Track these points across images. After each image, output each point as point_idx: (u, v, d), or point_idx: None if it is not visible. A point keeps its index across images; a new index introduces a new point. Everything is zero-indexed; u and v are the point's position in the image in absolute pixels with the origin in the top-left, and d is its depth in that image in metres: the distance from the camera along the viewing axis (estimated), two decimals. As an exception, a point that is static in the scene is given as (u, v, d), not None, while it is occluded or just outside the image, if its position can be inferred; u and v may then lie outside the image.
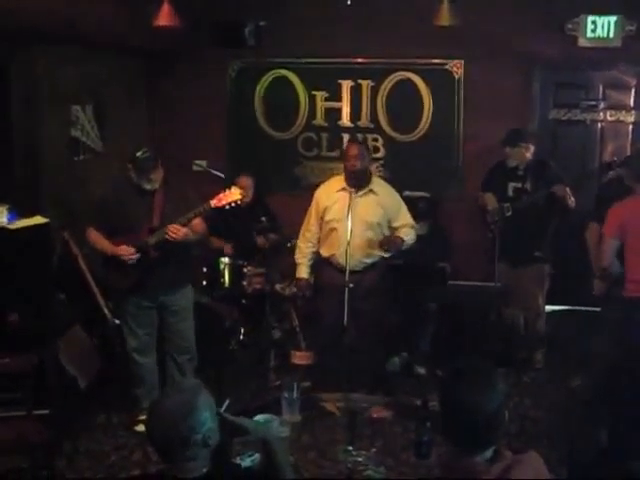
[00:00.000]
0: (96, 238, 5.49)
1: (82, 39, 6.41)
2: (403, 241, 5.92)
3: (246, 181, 7.03)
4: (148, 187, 5.34)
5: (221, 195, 5.28)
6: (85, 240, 5.61)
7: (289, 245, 6.92)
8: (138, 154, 5.29)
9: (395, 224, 5.98)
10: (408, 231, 6.01)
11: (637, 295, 5.40)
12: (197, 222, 5.44)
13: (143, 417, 5.30)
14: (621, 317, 5.51)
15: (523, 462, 2.70)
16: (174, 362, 5.70)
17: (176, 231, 5.22)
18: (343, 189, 5.91)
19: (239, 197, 5.30)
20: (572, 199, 6.34)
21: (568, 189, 6.31)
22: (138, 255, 5.34)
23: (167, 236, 5.23)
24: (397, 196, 6.12)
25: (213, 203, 5.26)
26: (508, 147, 6.60)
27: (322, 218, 6.03)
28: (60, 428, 5.12)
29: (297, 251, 6.27)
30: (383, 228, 5.95)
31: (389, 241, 5.89)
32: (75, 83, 6.95)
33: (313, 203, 6.13)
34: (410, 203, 6.36)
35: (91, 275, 6.22)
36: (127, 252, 5.34)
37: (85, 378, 5.83)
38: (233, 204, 5.29)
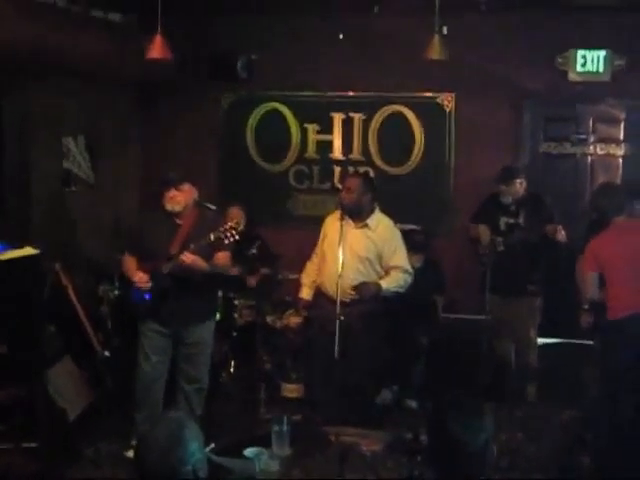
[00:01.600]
0: (127, 263, 5.54)
1: (75, 71, 6.44)
2: (380, 288, 5.79)
3: (237, 212, 7.02)
4: (170, 207, 5.37)
5: (221, 229, 5.24)
6: (120, 267, 5.65)
7: (280, 277, 6.92)
8: (164, 174, 5.44)
9: (388, 264, 5.89)
10: (397, 276, 5.88)
11: (615, 319, 5.50)
12: (221, 255, 5.42)
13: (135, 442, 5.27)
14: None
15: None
16: (182, 390, 5.63)
17: (185, 257, 5.19)
18: (341, 219, 5.92)
19: (238, 230, 5.24)
20: (563, 233, 6.35)
21: (560, 227, 6.31)
22: (149, 284, 5.33)
23: (178, 261, 5.22)
24: (396, 237, 6.01)
25: (213, 236, 5.23)
26: (502, 185, 6.60)
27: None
28: (48, 461, 5.06)
29: (303, 273, 6.29)
30: (374, 264, 5.88)
31: (362, 287, 5.77)
32: (67, 115, 6.98)
33: (321, 230, 6.18)
34: (404, 236, 6.33)
35: (82, 307, 6.20)
36: (140, 279, 5.33)
37: (74, 410, 5.79)
38: (231, 238, 5.23)
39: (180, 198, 5.38)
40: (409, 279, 5.96)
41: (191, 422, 2.82)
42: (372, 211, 5.98)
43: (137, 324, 5.61)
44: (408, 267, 5.98)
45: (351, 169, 7.65)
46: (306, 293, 6.23)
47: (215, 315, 5.87)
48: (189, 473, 2.69)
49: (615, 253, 5.55)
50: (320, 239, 6.17)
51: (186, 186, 5.42)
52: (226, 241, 5.20)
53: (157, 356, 5.55)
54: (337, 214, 6.04)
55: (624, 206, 5.75)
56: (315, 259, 6.21)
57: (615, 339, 5.53)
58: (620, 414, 5.36)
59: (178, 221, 5.44)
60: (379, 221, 5.97)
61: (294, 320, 6.64)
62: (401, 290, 5.92)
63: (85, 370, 6.18)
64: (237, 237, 5.23)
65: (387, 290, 5.82)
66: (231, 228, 5.18)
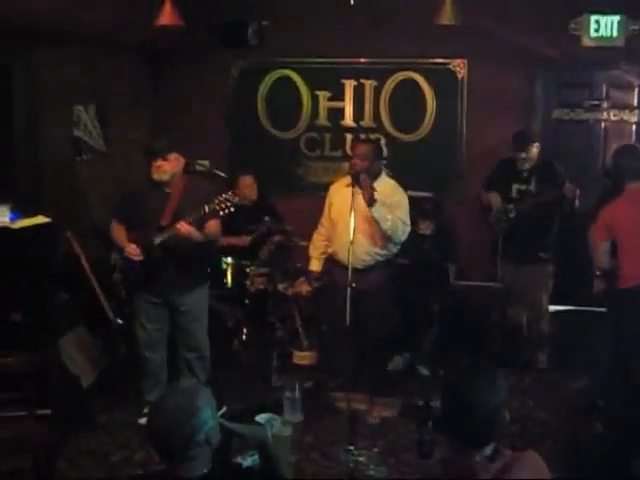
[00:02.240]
0: (115, 231, 5.58)
1: (85, 39, 6.41)
2: (376, 201, 5.70)
3: (248, 180, 7.04)
4: (157, 177, 5.37)
5: (216, 200, 5.22)
6: (109, 233, 5.66)
7: (292, 245, 6.92)
8: (151, 143, 5.43)
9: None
10: (394, 219, 5.83)
11: (627, 286, 5.49)
12: (212, 223, 5.41)
13: (147, 410, 5.32)
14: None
15: (522, 460, 2.72)
16: (183, 359, 5.70)
17: (182, 227, 5.21)
18: (348, 185, 5.92)
19: (233, 202, 5.23)
20: (577, 200, 6.32)
21: (577, 190, 6.27)
22: (141, 256, 5.35)
23: (174, 232, 5.22)
24: (401, 196, 6.01)
25: (208, 208, 5.22)
26: (522, 152, 6.50)
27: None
28: (62, 428, 5.10)
29: (311, 245, 6.33)
30: None
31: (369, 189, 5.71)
32: (78, 83, 6.94)
33: (326, 199, 6.16)
34: (415, 203, 6.32)
35: (94, 275, 6.23)
36: (133, 251, 5.37)
37: (88, 378, 5.84)
38: (226, 210, 5.22)
39: (167, 167, 5.38)
40: (404, 229, 5.93)
41: (203, 389, 2.84)
42: (379, 175, 5.97)
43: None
44: (406, 220, 5.95)
45: (362, 136, 7.60)
46: (315, 265, 6.27)
47: (207, 281, 5.84)
48: (202, 441, 2.71)
49: (627, 221, 5.51)
50: (326, 209, 6.17)
51: (172, 155, 5.41)
52: (221, 212, 5.20)
53: (152, 324, 5.61)
54: (344, 181, 6.05)
55: None
56: (322, 229, 6.21)
57: (625, 307, 5.52)
58: (632, 382, 5.36)
59: (167, 190, 5.44)
60: (385, 183, 5.98)
61: (306, 288, 6.64)
62: (391, 234, 5.86)
63: (98, 338, 6.22)
64: (232, 209, 5.22)
65: (379, 215, 5.73)
66: (226, 200, 5.17)
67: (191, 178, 5.64)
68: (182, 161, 5.51)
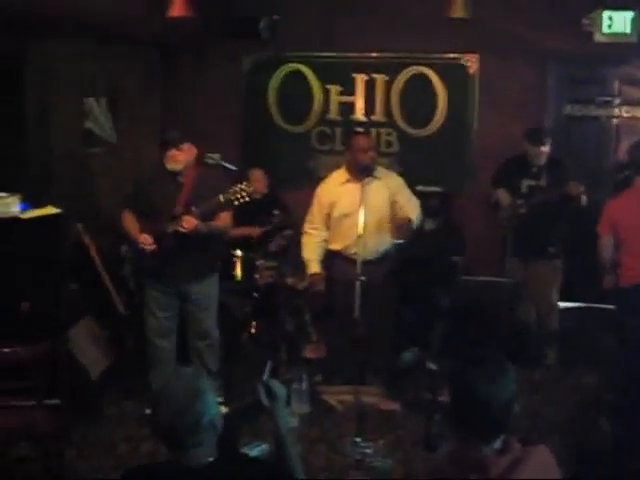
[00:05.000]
0: (127, 221, 5.62)
1: (97, 31, 6.42)
2: (411, 220, 5.77)
3: (258, 174, 7.02)
4: (171, 166, 5.42)
5: (231, 190, 5.28)
6: (119, 222, 5.69)
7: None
8: (165, 133, 5.48)
9: (400, 201, 5.92)
10: (413, 207, 5.92)
11: (623, 285, 5.55)
12: (224, 215, 5.48)
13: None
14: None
15: (532, 454, 2.68)
16: (194, 348, 5.74)
17: (187, 224, 5.25)
18: (348, 181, 5.91)
19: (248, 192, 5.29)
20: (584, 197, 6.30)
21: (582, 188, 6.25)
22: (153, 245, 5.38)
23: (179, 227, 5.26)
24: (396, 177, 6.11)
25: (223, 198, 5.27)
26: (535, 148, 6.47)
27: (328, 214, 6.02)
28: (70, 418, 5.12)
29: (304, 249, 6.25)
30: (393, 208, 5.93)
31: (399, 226, 5.76)
32: (90, 75, 6.96)
33: (315, 201, 6.14)
34: (422, 198, 6.32)
35: (104, 267, 6.24)
36: (145, 241, 5.40)
37: (96, 369, 5.85)
38: (241, 200, 5.28)
39: (181, 157, 5.43)
40: (418, 207, 6.02)
41: (204, 375, 2.87)
42: None
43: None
44: (414, 198, 6.07)
45: (374, 131, 7.60)
46: (315, 267, 6.19)
47: (218, 269, 5.88)
48: (208, 425, 2.72)
49: (630, 217, 5.48)
50: (317, 210, 6.13)
51: (186, 145, 5.47)
52: (236, 203, 5.25)
53: (163, 312, 5.65)
54: (336, 179, 6.04)
55: None
56: (314, 232, 6.17)
57: (624, 306, 5.50)
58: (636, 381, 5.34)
59: (180, 179, 5.49)
60: (379, 171, 5.98)
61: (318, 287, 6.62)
62: (416, 218, 5.92)
63: (107, 329, 6.24)
64: (247, 199, 5.27)
65: (414, 223, 5.81)
66: (241, 190, 5.22)
67: (203, 168, 5.69)
68: (194, 151, 5.55)
